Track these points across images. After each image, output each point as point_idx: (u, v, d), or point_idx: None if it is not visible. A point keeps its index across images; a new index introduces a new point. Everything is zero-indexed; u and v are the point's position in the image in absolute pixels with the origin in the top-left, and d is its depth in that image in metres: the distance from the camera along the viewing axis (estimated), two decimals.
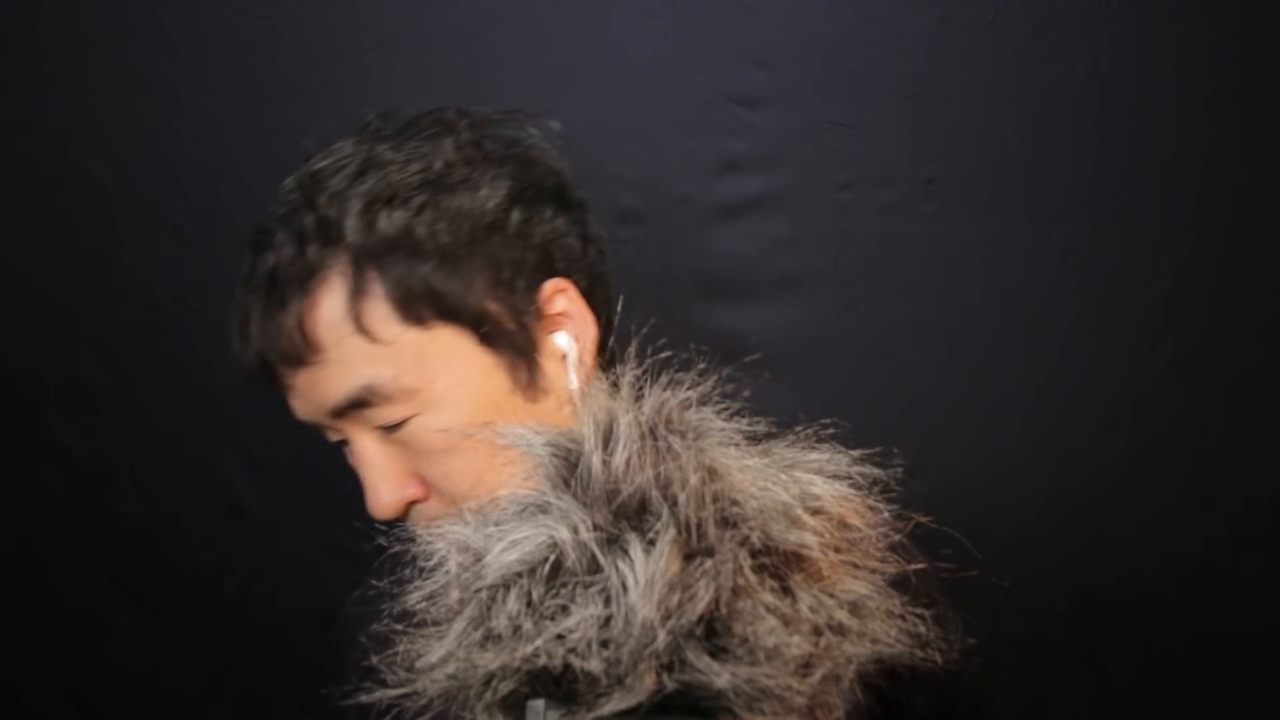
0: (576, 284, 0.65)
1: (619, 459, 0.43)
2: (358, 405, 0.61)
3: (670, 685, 0.39)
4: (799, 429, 0.50)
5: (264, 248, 0.63)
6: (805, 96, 1.07)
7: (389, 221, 0.60)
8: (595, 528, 0.42)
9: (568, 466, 0.44)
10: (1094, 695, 1.06)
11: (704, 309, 1.04)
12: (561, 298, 0.64)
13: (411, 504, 0.64)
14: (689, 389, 0.47)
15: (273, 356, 0.62)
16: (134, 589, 1.11)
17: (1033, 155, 1.06)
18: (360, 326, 0.60)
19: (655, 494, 0.42)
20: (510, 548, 0.42)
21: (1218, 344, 1.04)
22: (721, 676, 0.39)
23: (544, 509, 0.43)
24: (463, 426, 0.59)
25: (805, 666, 0.40)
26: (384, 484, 0.62)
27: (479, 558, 0.43)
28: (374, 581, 0.62)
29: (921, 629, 0.43)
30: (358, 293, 0.60)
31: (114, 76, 1.10)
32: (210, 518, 1.12)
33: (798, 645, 0.40)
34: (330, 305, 0.60)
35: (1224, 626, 1.05)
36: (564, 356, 0.64)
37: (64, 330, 1.11)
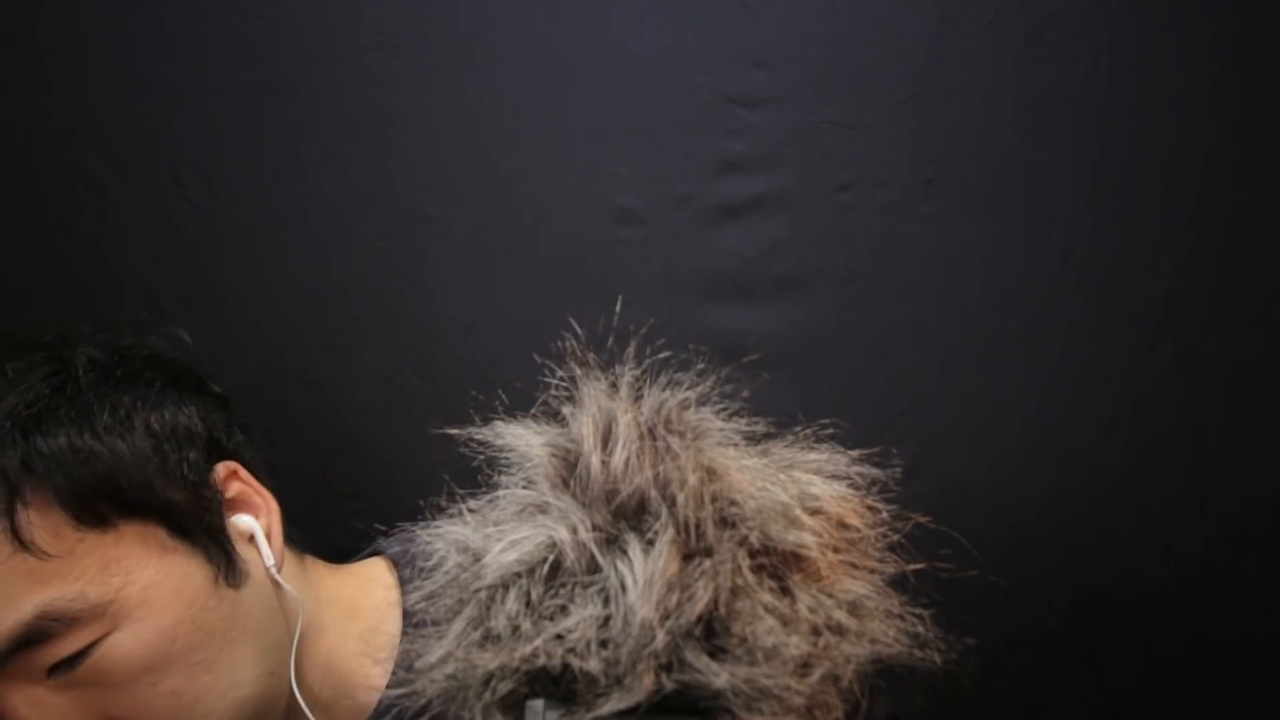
0: (242, 458, 0.64)
1: (618, 459, 0.43)
2: (29, 643, 0.50)
3: (669, 685, 0.39)
4: (798, 429, 0.50)
5: None
6: (805, 97, 1.07)
7: (46, 440, 0.52)
8: (594, 528, 0.42)
9: (567, 466, 0.44)
10: (1093, 696, 1.06)
11: (704, 309, 1.04)
12: (234, 480, 0.63)
13: None
14: (688, 389, 0.47)
15: None
16: None
17: (1033, 155, 1.06)
18: (23, 542, 0.50)
19: (654, 494, 0.42)
20: (509, 548, 0.42)
21: (1218, 344, 1.04)
22: (720, 676, 0.39)
23: (543, 509, 0.43)
24: (172, 631, 0.51)
25: (804, 666, 0.40)
26: None
27: (478, 558, 0.43)
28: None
29: (920, 629, 0.43)
30: (15, 505, 0.50)
31: (114, 76, 1.10)
32: None
33: (796, 645, 0.40)
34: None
35: (1223, 627, 1.05)
36: (251, 537, 0.61)
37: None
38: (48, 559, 0.50)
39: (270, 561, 0.60)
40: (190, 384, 0.62)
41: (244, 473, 0.63)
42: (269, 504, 0.63)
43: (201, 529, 0.56)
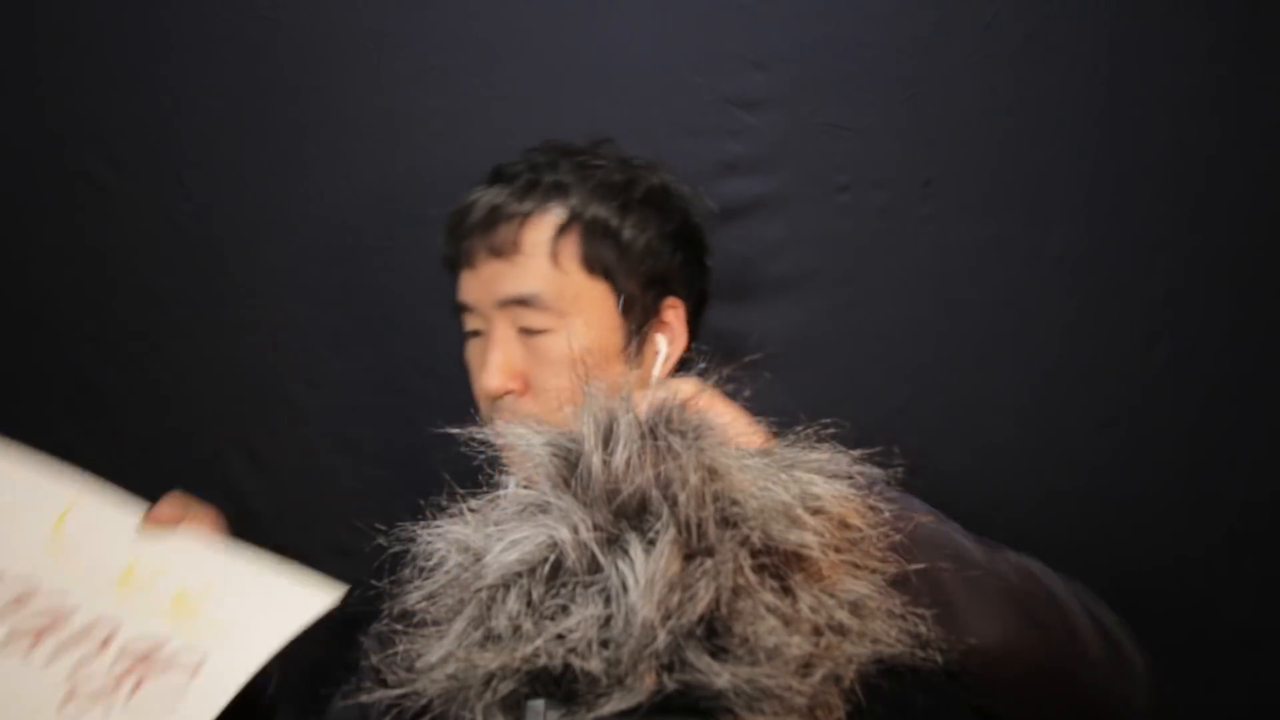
0: (686, 307, 0.85)
1: (619, 459, 0.43)
2: (521, 303, 0.79)
3: (670, 685, 0.39)
4: (799, 429, 0.50)
5: (508, 178, 0.82)
6: (804, 99, 1.07)
7: (601, 208, 0.81)
8: (595, 527, 0.42)
9: (568, 466, 0.44)
10: None
11: None
12: (673, 312, 0.85)
13: (508, 393, 0.79)
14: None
15: (482, 241, 0.80)
16: None
17: (1030, 156, 1.06)
18: (553, 252, 0.80)
19: (655, 494, 0.42)
20: (510, 547, 0.42)
21: (1215, 344, 1.05)
22: (722, 676, 0.39)
23: (544, 509, 0.43)
24: (581, 352, 0.78)
25: (806, 666, 0.40)
26: (501, 367, 0.79)
27: (479, 557, 0.43)
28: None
29: (922, 629, 0.43)
30: (562, 232, 0.80)
31: (115, 76, 1.10)
32: None
33: (798, 645, 0.40)
34: (541, 229, 0.80)
35: (1221, 626, 1.05)
36: (657, 352, 0.84)
37: (67, 331, 1.11)
38: (556, 270, 0.79)
39: (654, 373, 0.83)
40: (695, 240, 0.86)
41: (681, 311, 0.85)
42: (679, 341, 0.85)
43: (635, 321, 0.82)
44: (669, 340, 0.84)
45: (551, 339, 0.79)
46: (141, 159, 1.10)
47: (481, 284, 0.81)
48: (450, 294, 0.96)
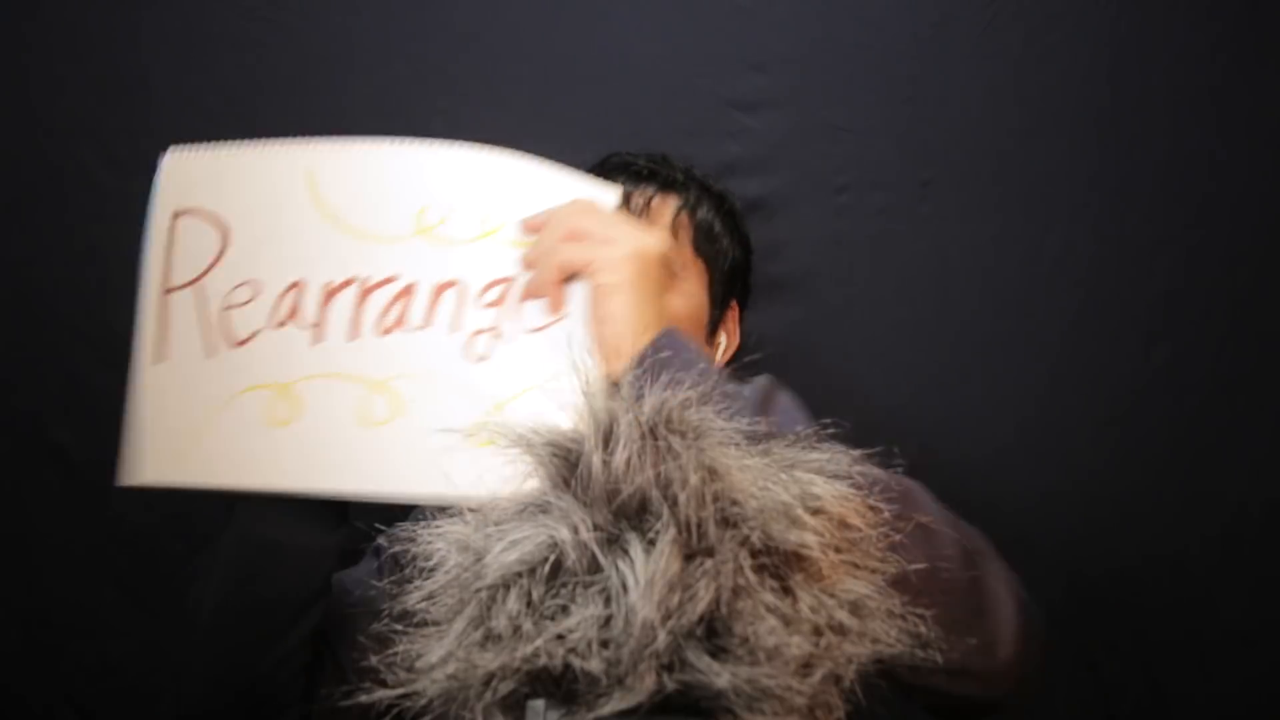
0: (740, 313, 0.96)
1: (619, 459, 0.43)
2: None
3: (670, 685, 0.39)
4: (799, 429, 0.50)
5: (624, 166, 0.91)
6: (803, 100, 1.07)
7: (706, 208, 0.92)
8: (595, 527, 0.42)
9: (568, 466, 0.44)
10: (1088, 692, 1.06)
11: None
12: (732, 314, 0.94)
13: None
14: (689, 389, 0.47)
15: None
16: (133, 590, 1.11)
17: (1030, 157, 1.06)
18: (673, 225, 0.88)
19: (655, 494, 0.42)
20: (510, 547, 0.42)
21: (1215, 344, 1.05)
22: (722, 677, 0.39)
23: (544, 509, 0.43)
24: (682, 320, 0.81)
25: (806, 667, 0.40)
26: None
27: (479, 557, 0.43)
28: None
29: (922, 629, 0.43)
30: (679, 214, 0.89)
31: (114, 76, 1.09)
32: (208, 518, 1.11)
33: (798, 645, 0.40)
34: (665, 206, 0.89)
35: (1218, 624, 1.05)
36: (719, 345, 0.93)
37: (63, 331, 1.11)
38: (674, 239, 0.86)
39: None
40: (751, 256, 0.97)
41: (737, 315, 0.95)
42: (733, 341, 0.95)
43: (715, 303, 0.91)
44: (727, 337, 0.94)
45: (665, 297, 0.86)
46: (140, 158, 1.10)
47: None
48: None
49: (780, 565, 0.42)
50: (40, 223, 1.10)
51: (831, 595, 0.42)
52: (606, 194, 0.73)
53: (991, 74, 1.06)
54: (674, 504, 0.42)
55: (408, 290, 0.71)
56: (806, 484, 0.44)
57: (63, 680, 1.10)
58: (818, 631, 0.41)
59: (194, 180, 0.76)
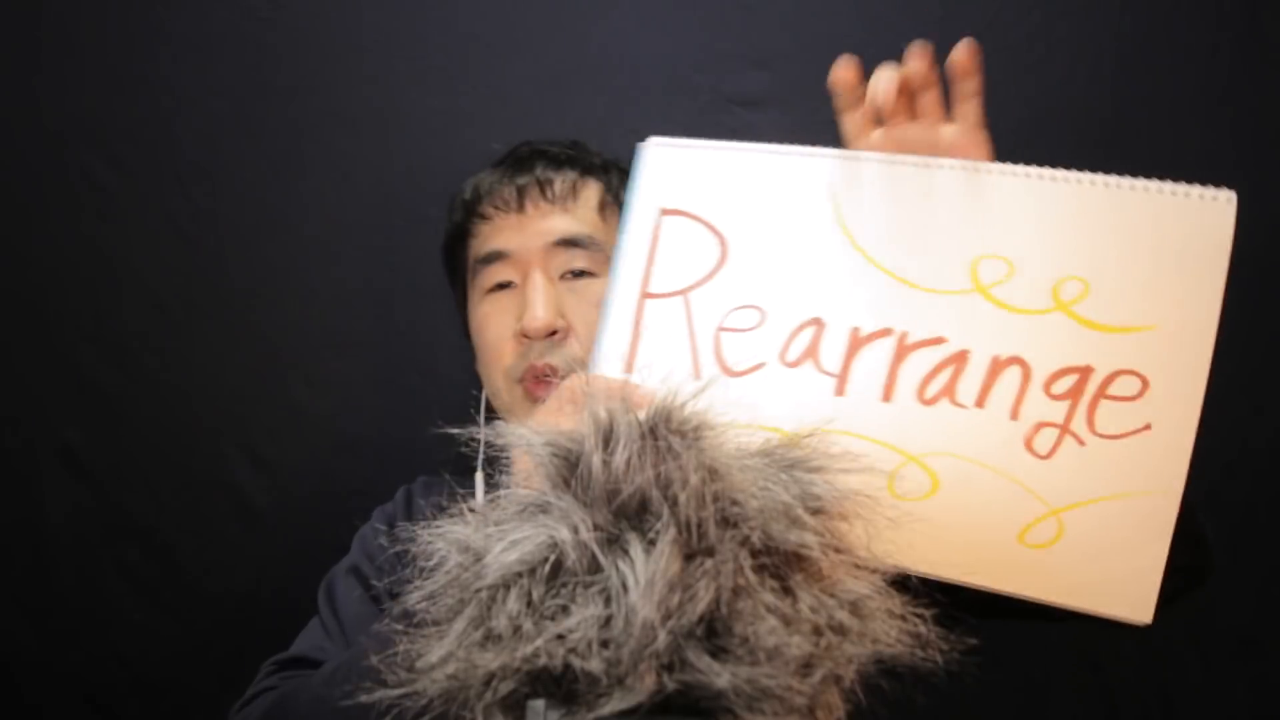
0: None
1: (619, 459, 0.43)
2: (576, 244, 0.84)
3: (670, 685, 0.39)
4: (800, 429, 0.50)
5: (543, 153, 0.89)
6: (805, 97, 1.07)
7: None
8: (595, 528, 0.42)
9: (568, 466, 0.44)
10: (1093, 695, 1.06)
11: None
12: None
13: (552, 334, 0.82)
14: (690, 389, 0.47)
15: (541, 187, 0.86)
16: (143, 586, 1.12)
17: (1031, 156, 1.06)
18: (600, 208, 0.87)
19: (655, 494, 0.42)
20: (510, 548, 0.42)
21: (1217, 344, 1.04)
22: (722, 676, 0.39)
23: (544, 509, 0.43)
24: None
25: (806, 666, 0.40)
26: (548, 305, 0.82)
27: (479, 558, 0.43)
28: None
29: (922, 629, 0.43)
30: (604, 197, 0.88)
31: (115, 76, 1.09)
32: (216, 516, 1.12)
33: (798, 645, 0.40)
34: (590, 190, 0.87)
35: (1222, 626, 1.04)
36: None
37: (70, 331, 1.11)
38: (603, 222, 0.87)
39: None
40: None
41: None
42: None
43: None
44: None
45: (598, 282, 0.83)
46: (142, 159, 1.10)
47: (532, 228, 0.85)
48: (451, 292, 0.96)
49: (780, 565, 0.42)
50: (41, 223, 1.10)
51: (831, 595, 0.42)
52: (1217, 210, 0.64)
53: (993, 72, 1.06)
54: (674, 504, 0.42)
55: (959, 358, 0.61)
56: (806, 484, 0.44)
57: (76, 674, 1.11)
58: (818, 631, 0.41)
59: (685, 178, 0.66)
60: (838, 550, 0.43)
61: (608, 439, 0.43)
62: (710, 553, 0.41)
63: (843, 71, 0.72)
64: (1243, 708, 1.04)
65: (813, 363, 0.62)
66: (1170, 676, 1.05)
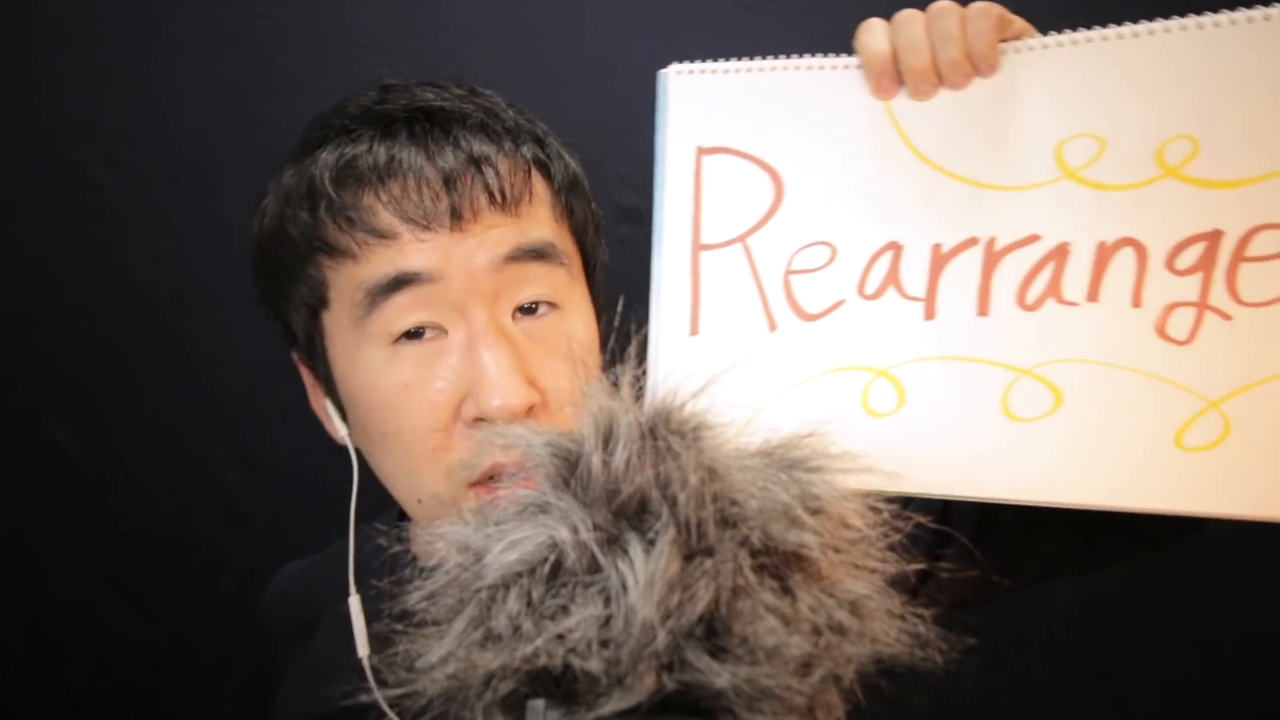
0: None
1: (619, 459, 0.43)
2: (538, 256, 0.62)
3: (670, 685, 0.39)
4: (800, 429, 0.50)
5: (456, 119, 0.63)
6: None
7: (571, 160, 0.68)
8: (595, 528, 0.42)
9: (567, 466, 0.44)
10: (1104, 701, 1.06)
11: None
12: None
13: (529, 410, 0.60)
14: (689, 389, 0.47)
15: (483, 193, 0.61)
16: (130, 590, 1.11)
17: None
18: (560, 205, 0.65)
19: (655, 494, 0.42)
20: (510, 547, 0.42)
21: None
22: (721, 676, 0.39)
23: (544, 509, 0.43)
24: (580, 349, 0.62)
25: (805, 666, 0.40)
26: (516, 370, 0.59)
27: (479, 557, 0.43)
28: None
29: (923, 629, 0.43)
30: (555, 193, 0.66)
31: (112, 75, 1.10)
32: (207, 518, 1.12)
33: (798, 645, 0.40)
34: (543, 184, 0.65)
35: (1223, 628, 1.05)
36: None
37: (61, 331, 1.11)
38: (560, 226, 0.65)
39: None
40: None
41: None
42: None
43: (598, 302, 0.68)
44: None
45: (563, 320, 0.62)
46: (137, 159, 1.10)
47: (474, 242, 0.60)
48: None
49: (780, 565, 0.42)
50: (36, 223, 1.10)
51: (831, 595, 0.42)
52: None
53: None
54: (673, 504, 0.42)
55: (1059, 253, 0.54)
56: (806, 484, 0.44)
57: (60, 679, 1.11)
58: (817, 631, 0.41)
59: (718, 109, 0.59)
60: (837, 550, 0.43)
61: (607, 439, 0.43)
62: (710, 553, 0.41)
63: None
64: (1244, 708, 1.04)
65: (895, 289, 0.56)
66: (1179, 682, 1.05)
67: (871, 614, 0.43)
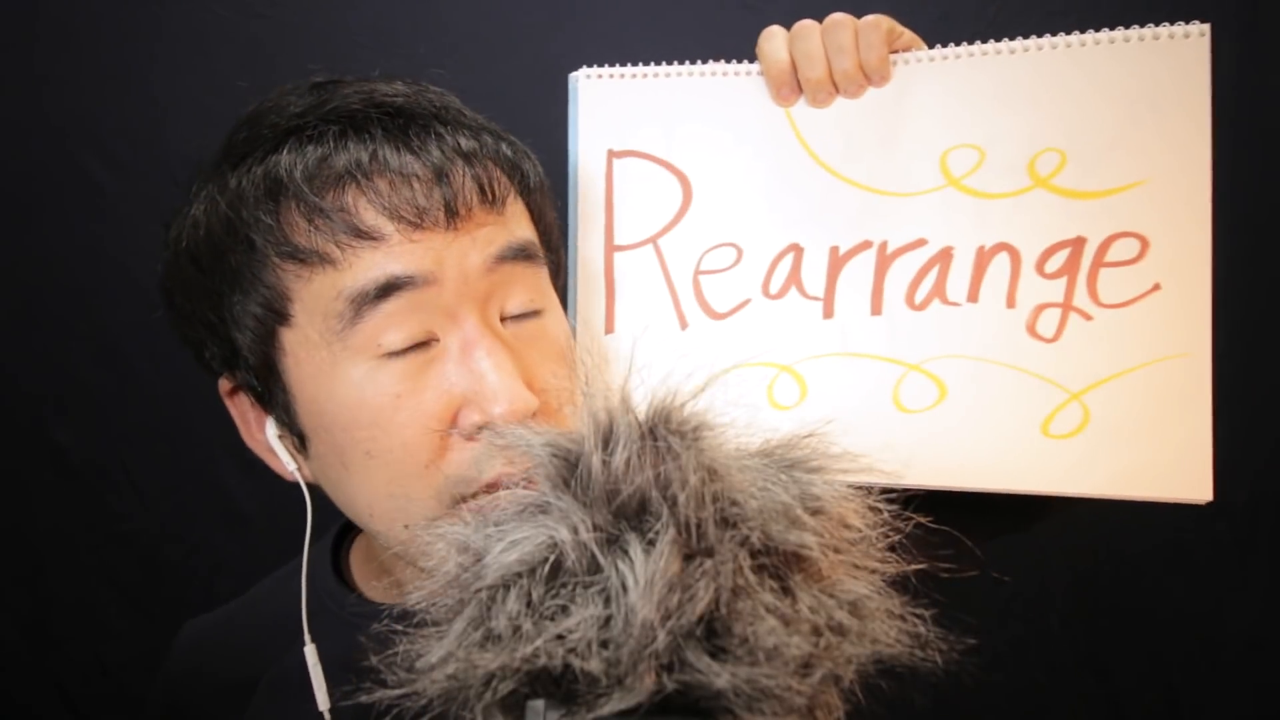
0: None
1: (619, 459, 0.43)
2: (525, 256, 0.59)
3: (670, 685, 0.39)
4: (800, 428, 0.50)
5: (431, 115, 0.60)
6: None
7: (533, 163, 0.63)
8: (595, 528, 0.42)
9: (567, 467, 0.44)
10: (1099, 700, 1.06)
11: None
12: None
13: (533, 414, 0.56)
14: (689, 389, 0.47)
15: (475, 189, 0.56)
16: (129, 592, 1.11)
17: None
18: (533, 205, 0.62)
19: (655, 494, 0.42)
20: (510, 548, 0.42)
21: (1218, 344, 1.04)
22: (721, 677, 0.39)
23: (544, 509, 0.43)
24: (566, 341, 0.61)
25: (805, 667, 0.40)
26: (519, 376, 0.55)
27: (479, 558, 0.43)
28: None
29: (922, 629, 0.43)
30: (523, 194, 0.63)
31: (113, 75, 1.09)
32: (205, 520, 1.12)
33: (798, 645, 0.40)
34: (519, 183, 0.62)
35: (1226, 629, 1.05)
36: None
37: (61, 332, 1.11)
38: (539, 228, 0.62)
39: None
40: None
41: None
42: None
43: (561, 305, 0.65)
44: None
45: (539, 322, 0.59)
46: (137, 158, 1.10)
47: (467, 241, 0.55)
48: None
49: (780, 565, 0.42)
50: (36, 222, 1.10)
51: (831, 595, 0.42)
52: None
53: None
54: (673, 504, 0.42)
55: (943, 256, 0.59)
56: (806, 484, 0.44)
57: (58, 680, 1.11)
58: (817, 631, 0.41)
59: (628, 113, 0.62)
60: (837, 550, 0.43)
61: (607, 439, 0.43)
62: (710, 553, 0.41)
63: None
64: (1249, 712, 1.04)
65: (797, 289, 0.60)
66: (1178, 681, 1.05)
67: (871, 614, 0.43)
